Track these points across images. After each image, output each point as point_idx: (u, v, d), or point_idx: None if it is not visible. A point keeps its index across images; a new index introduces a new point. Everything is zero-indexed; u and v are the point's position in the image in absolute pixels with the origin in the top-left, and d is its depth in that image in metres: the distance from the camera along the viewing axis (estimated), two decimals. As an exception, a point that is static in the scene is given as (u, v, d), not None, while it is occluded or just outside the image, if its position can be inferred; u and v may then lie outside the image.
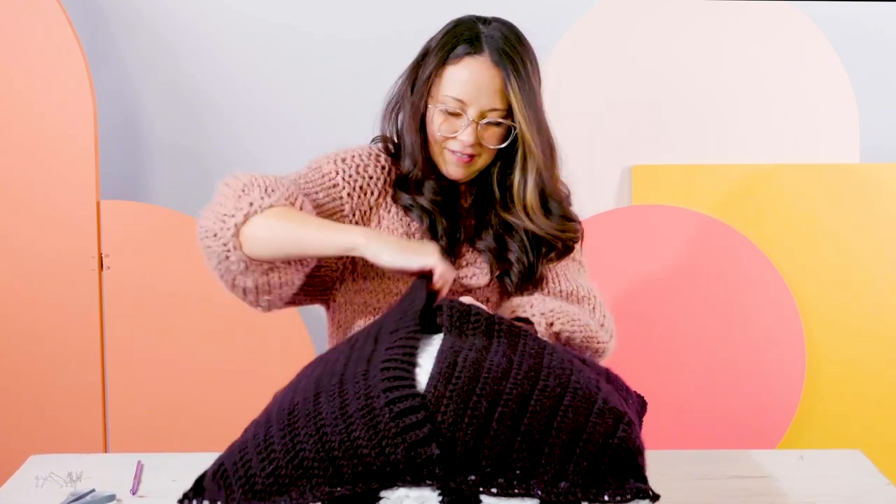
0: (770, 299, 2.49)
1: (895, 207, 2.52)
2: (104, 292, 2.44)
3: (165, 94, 2.60)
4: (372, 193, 1.63)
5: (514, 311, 1.56)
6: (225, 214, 1.47)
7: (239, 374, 2.44)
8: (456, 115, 1.55)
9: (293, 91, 2.60)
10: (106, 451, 2.46)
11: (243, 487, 1.12)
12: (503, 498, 1.10)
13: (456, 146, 1.57)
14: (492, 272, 1.63)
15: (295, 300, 1.63)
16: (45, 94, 2.40)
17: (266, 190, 1.48)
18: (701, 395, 2.49)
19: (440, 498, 1.10)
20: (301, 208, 1.50)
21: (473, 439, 1.10)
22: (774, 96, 2.55)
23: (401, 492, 1.11)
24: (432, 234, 1.61)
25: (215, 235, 1.48)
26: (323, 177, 1.60)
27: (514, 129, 1.56)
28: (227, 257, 1.47)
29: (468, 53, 1.54)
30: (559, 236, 1.63)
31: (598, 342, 1.60)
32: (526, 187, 1.60)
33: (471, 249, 1.64)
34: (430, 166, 1.61)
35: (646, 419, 1.39)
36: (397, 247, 1.43)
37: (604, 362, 1.58)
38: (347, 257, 1.61)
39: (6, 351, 2.43)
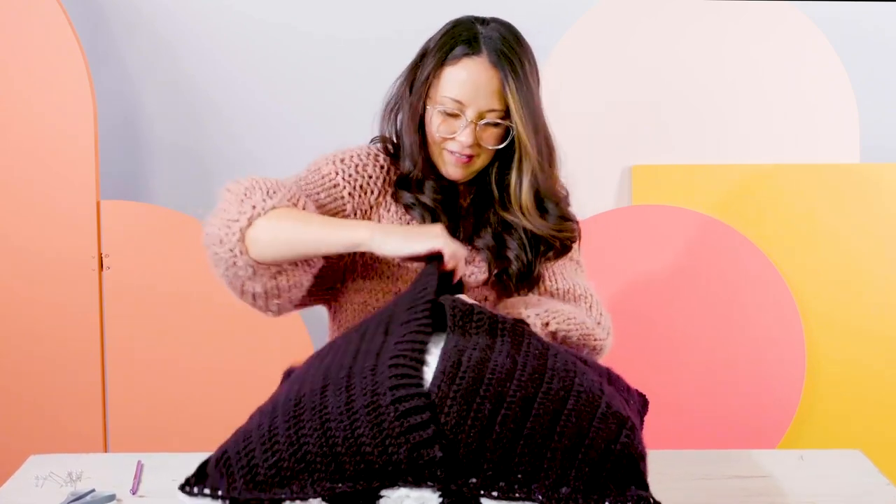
0: (770, 299, 2.49)
1: (895, 207, 2.52)
2: (104, 292, 2.44)
3: (165, 94, 2.60)
4: (372, 192, 1.63)
5: (508, 312, 1.56)
6: (229, 220, 1.47)
7: (239, 374, 2.44)
8: (454, 115, 1.55)
9: (293, 91, 2.60)
10: (106, 451, 2.46)
11: (245, 477, 1.12)
12: (504, 501, 1.10)
13: (454, 147, 1.57)
14: (490, 270, 1.63)
15: (302, 302, 1.63)
16: (45, 94, 2.40)
17: (268, 192, 1.48)
18: (701, 395, 2.49)
19: (440, 499, 1.10)
20: (304, 208, 1.50)
21: (476, 441, 1.10)
22: (774, 96, 2.55)
23: (401, 491, 1.11)
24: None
25: (221, 242, 1.47)
26: (323, 178, 1.60)
27: (513, 129, 1.56)
28: (235, 263, 1.47)
29: (466, 54, 1.54)
30: (556, 235, 1.63)
31: (594, 339, 1.60)
32: (522, 187, 1.60)
33: (469, 248, 1.65)
34: (429, 167, 1.62)
35: (647, 419, 1.39)
36: (401, 234, 1.42)
37: (603, 361, 1.58)
38: (348, 256, 1.61)
39: (6, 351, 2.43)
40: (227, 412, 2.46)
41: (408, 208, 1.62)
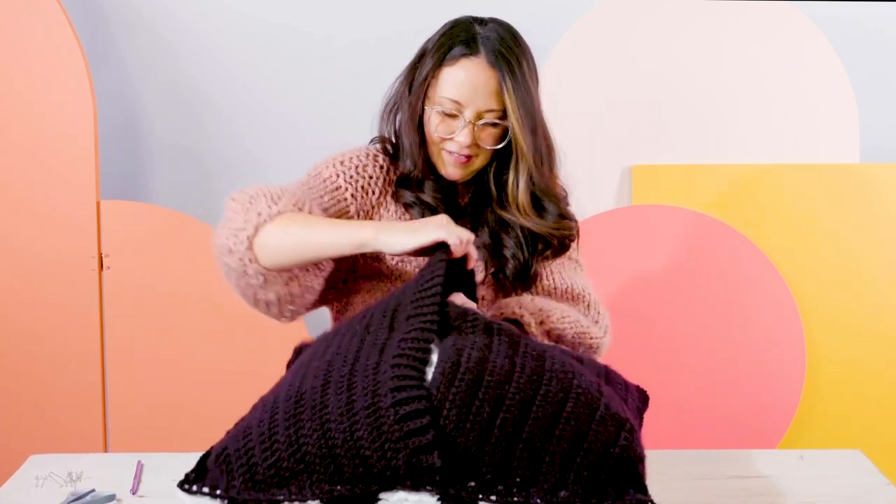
0: (770, 299, 2.49)
1: (895, 207, 2.52)
2: (104, 292, 2.44)
3: (165, 94, 2.60)
4: (373, 193, 1.63)
5: (502, 313, 1.56)
6: (236, 229, 1.46)
7: (239, 374, 2.44)
8: (453, 116, 1.55)
9: (293, 91, 2.60)
10: (106, 451, 2.46)
11: (244, 476, 1.12)
12: None
13: (453, 147, 1.57)
14: (486, 269, 1.63)
15: (312, 304, 1.62)
16: (45, 94, 2.40)
17: (272, 198, 1.47)
18: (701, 395, 2.49)
19: (439, 503, 1.10)
20: (310, 212, 1.49)
21: (475, 445, 1.10)
22: (774, 96, 2.55)
23: (400, 495, 1.10)
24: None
25: (230, 251, 1.47)
26: (324, 181, 1.60)
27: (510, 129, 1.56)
28: (246, 272, 1.47)
29: (464, 55, 1.54)
30: (554, 233, 1.63)
31: (590, 338, 1.60)
32: (519, 187, 1.60)
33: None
34: (428, 167, 1.62)
35: (647, 419, 1.39)
36: (404, 230, 1.41)
37: (602, 361, 1.58)
38: (350, 257, 1.61)
39: (6, 351, 2.43)
40: (227, 412, 2.45)
41: (408, 207, 1.63)
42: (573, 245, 1.70)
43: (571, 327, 1.57)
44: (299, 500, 1.11)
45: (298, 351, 1.39)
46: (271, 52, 2.59)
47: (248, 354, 2.44)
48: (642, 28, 2.54)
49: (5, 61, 2.39)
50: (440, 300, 1.28)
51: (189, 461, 1.33)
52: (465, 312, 1.29)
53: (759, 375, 2.49)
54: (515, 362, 1.19)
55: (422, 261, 1.49)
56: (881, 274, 2.52)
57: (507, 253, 1.63)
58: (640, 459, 1.14)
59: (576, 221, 1.69)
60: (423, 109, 1.58)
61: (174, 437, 2.44)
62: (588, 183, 2.46)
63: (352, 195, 1.60)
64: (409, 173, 1.62)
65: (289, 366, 1.50)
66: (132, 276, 2.44)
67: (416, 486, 1.09)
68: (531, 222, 1.61)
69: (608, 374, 1.33)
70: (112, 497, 1.41)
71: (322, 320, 1.75)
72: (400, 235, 1.40)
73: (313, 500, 1.11)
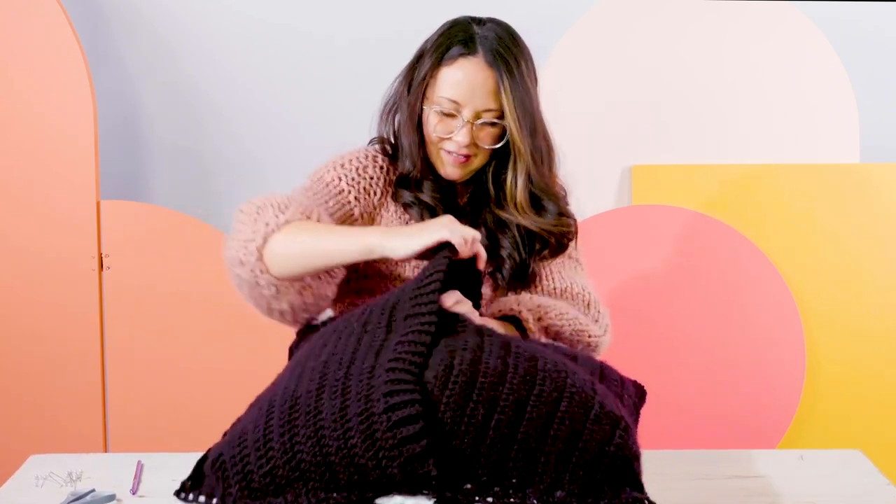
0: (770, 299, 2.49)
1: (895, 207, 2.52)
2: (104, 292, 2.44)
3: (165, 94, 2.60)
4: (375, 194, 1.63)
5: (500, 310, 1.56)
6: (245, 240, 1.46)
7: (239, 374, 2.44)
8: (451, 115, 1.56)
9: (293, 91, 2.60)
10: (106, 451, 2.46)
11: (240, 483, 1.12)
12: None
13: (452, 147, 1.57)
14: (484, 268, 1.63)
15: None
16: (45, 94, 2.40)
17: (279, 208, 1.47)
18: (701, 395, 2.49)
19: (435, 506, 1.10)
20: (318, 219, 1.49)
21: (470, 448, 1.10)
22: (774, 96, 2.55)
23: (396, 499, 1.10)
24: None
25: (241, 263, 1.47)
26: (327, 186, 1.60)
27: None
28: (258, 283, 1.47)
29: (462, 54, 1.54)
30: (552, 231, 1.63)
31: (589, 336, 1.60)
32: (517, 186, 1.60)
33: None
34: (427, 167, 1.62)
35: (646, 419, 1.39)
36: (406, 233, 1.41)
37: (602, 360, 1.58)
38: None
39: (6, 351, 2.43)
40: (227, 412, 2.45)
41: (407, 207, 1.63)
42: (573, 244, 1.70)
43: (569, 324, 1.57)
44: (295, 509, 1.11)
45: (301, 335, 1.38)
46: (271, 52, 2.59)
47: (248, 354, 2.44)
48: (642, 28, 2.54)
49: (5, 61, 2.39)
50: (438, 298, 1.28)
51: (189, 461, 1.33)
52: (455, 315, 1.28)
53: (759, 375, 2.49)
54: (508, 363, 1.18)
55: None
56: (881, 274, 2.52)
57: (504, 253, 1.63)
58: (636, 457, 1.14)
59: (574, 220, 1.69)
60: (421, 109, 1.59)
61: (174, 437, 2.44)
62: (588, 183, 2.46)
63: (355, 198, 1.61)
64: (408, 173, 1.62)
65: (291, 350, 1.50)
66: (132, 276, 2.44)
67: (412, 491, 1.09)
68: (529, 221, 1.61)
69: (603, 371, 1.33)
70: (112, 497, 1.41)
71: (322, 320, 1.76)
72: (403, 239, 1.39)
73: None
